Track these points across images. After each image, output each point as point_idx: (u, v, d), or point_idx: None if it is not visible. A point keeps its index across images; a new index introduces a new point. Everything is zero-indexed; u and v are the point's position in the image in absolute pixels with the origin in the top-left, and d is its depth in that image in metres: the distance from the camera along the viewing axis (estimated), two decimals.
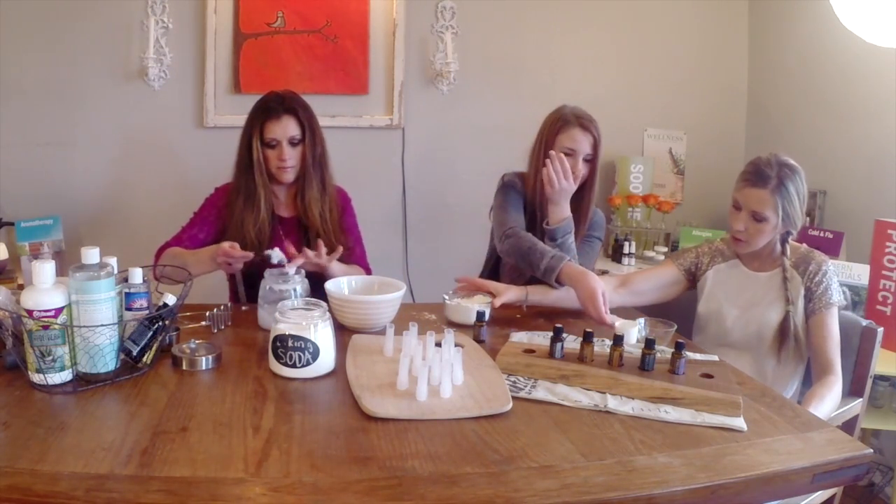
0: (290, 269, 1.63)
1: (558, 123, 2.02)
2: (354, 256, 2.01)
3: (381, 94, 2.96)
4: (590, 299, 1.68)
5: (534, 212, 2.02)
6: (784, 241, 1.73)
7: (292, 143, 1.89)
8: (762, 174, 1.65)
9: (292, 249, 1.72)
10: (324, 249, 1.74)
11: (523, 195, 2.04)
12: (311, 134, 1.91)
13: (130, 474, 0.93)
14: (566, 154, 1.98)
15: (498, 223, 2.00)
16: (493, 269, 2.17)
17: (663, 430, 1.14)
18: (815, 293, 1.68)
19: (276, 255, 1.69)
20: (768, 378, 1.71)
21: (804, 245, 1.78)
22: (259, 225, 1.88)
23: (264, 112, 1.88)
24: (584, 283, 1.70)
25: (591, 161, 2.02)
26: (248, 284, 1.91)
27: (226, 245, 1.68)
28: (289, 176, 1.91)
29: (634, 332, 1.53)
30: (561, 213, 1.92)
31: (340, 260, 1.82)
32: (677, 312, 1.82)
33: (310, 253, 1.71)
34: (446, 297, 1.72)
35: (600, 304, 1.66)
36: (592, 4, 3.09)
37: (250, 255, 1.68)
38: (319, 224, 1.93)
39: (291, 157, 1.88)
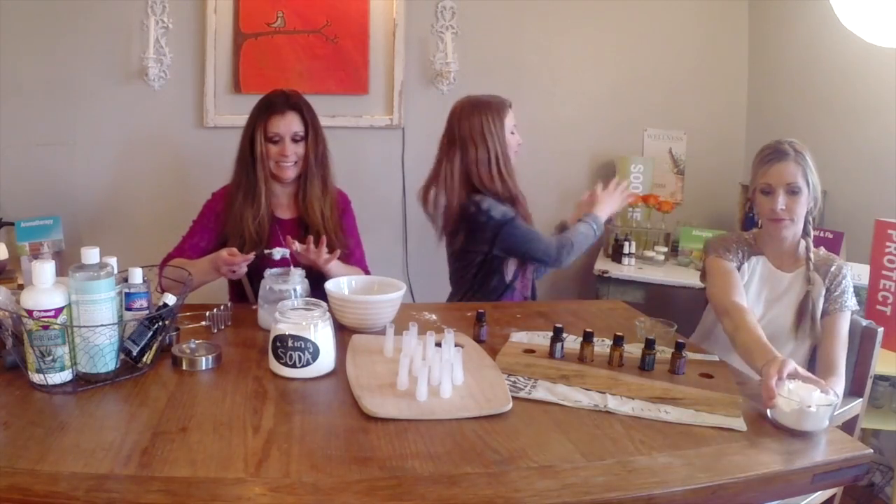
0: (290, 265, 1.64)
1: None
2: (354, 259, 2.00)
3: (381, 94, 2.96)
4: None
5: None
6: (806, 231, 1.73)
7: (295, 139, 1.89)
8: (781, 150, 1.70)
9: (295, 245, 1.72)
10: (324, 248, 1.74)
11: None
12: (313, 132, 1.91)
13: (130, 474, 0.93)
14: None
15: (545, 249, 2.05)
16: (477, 279, 2.17)
17: (663, 430, 1.14)
18: (832, 293, 1.69)
19: (277, 251, 1.70)
20: None
21: (822, 248, 1.79)
22: (259, 220, 1.88)
23: (269, 108, 1.89)
24: None
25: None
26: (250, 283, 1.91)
27: (224, 253, 1.67)
28: (289, 173, 1.90)
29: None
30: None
31: (341, 261, 1.82)
32: (677, 312, 1.82)
33: (311, 247, 1.72)
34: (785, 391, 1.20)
35: None
36: (592, 4, 3.09)
37: (251, 257, 1.68)
38: (320, 223, 1.93)
39: (293, 154, 1.88)
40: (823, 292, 1.70)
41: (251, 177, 1.89)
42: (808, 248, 1.73)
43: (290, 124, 1.88)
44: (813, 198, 1.70)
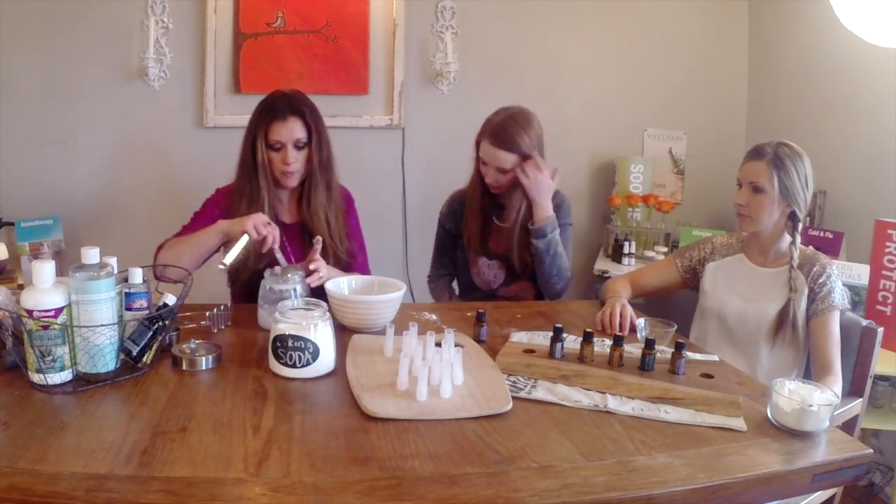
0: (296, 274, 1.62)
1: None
2: (356, 265, 1.96)
3: (381, 94, 2.96)
4: None
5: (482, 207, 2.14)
6: (793, 231, 1.72)
7: (297, 146, 1.80)
8: (759, 149, 1.73)
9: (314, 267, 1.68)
10: (317, 254, 1.71)
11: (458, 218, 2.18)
12: (317, 137, 1.83)
13: (130, 474, 0.93)
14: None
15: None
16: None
17: (663, 430, 1.14)
18: (818, 294, 1.68)
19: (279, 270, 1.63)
20: (763, 373, 1.70)
21: (810, 247, 1.79)
22: None
23: (270, 112, 1.80)
24: None
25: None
26: (250, 287, 1.87)
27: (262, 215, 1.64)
28: (292, 181, 1.84)
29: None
30: (543, 212, 1.99)
31: (343, 269, 1.83)
32: (677, 312, 1.82)
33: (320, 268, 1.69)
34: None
35: None
36: (593, 5, 3.09)
37: (277, 235, 1.63)
38: (325, 230, 1.86)
39: (296, 161, 1.80)
40: (807, 293, 1.70)
41: (254, 185, 1.82)
42: (792, 249, 1.72)
43: (292, 130, 1.79)
44: (787, 203, 1.69)
